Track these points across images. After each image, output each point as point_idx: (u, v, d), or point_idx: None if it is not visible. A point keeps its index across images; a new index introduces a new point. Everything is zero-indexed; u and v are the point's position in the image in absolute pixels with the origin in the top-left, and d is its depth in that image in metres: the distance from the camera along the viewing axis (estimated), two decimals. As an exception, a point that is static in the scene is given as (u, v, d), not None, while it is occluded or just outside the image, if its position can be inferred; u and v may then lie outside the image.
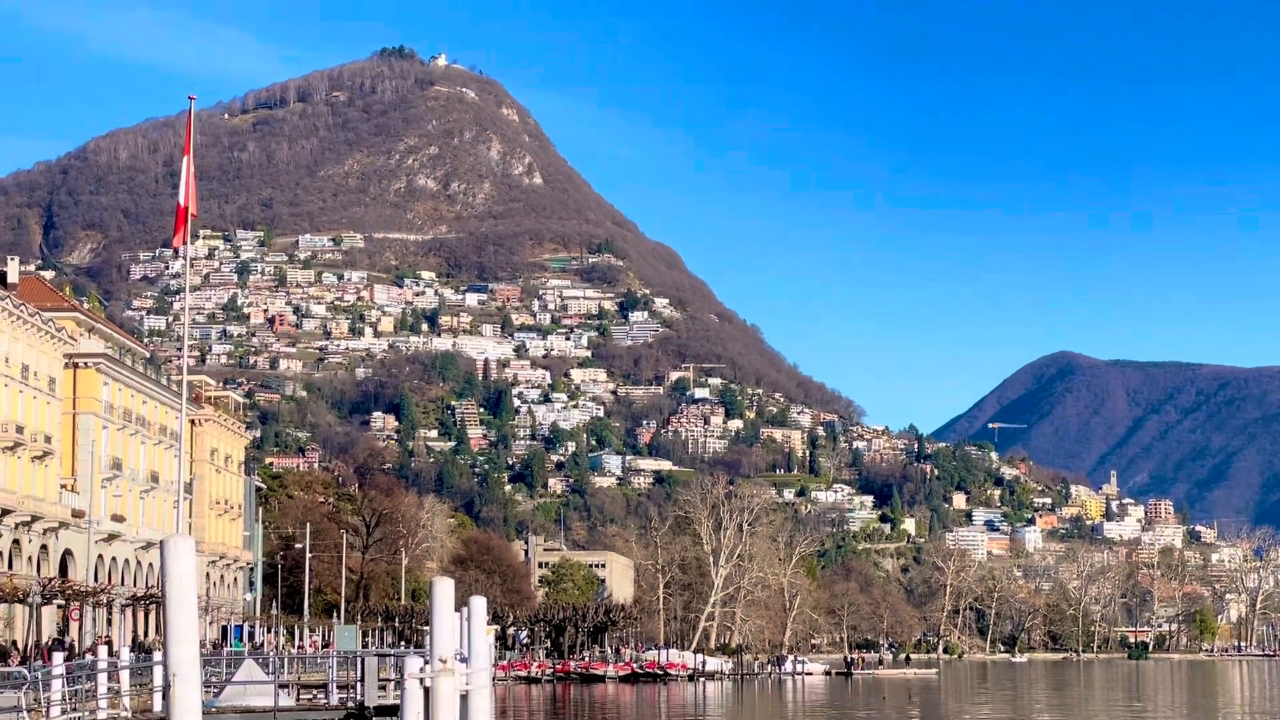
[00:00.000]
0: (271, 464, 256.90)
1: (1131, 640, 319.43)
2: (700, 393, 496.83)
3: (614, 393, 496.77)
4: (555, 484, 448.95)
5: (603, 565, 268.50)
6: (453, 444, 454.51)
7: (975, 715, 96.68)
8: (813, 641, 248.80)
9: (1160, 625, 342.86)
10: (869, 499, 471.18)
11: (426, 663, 38.66)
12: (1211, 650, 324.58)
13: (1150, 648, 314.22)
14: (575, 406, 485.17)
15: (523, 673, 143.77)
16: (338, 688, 50.55)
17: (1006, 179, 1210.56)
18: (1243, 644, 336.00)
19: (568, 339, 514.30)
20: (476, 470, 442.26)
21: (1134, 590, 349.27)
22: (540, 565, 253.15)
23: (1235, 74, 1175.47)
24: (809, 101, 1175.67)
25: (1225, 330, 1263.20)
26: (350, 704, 44.57)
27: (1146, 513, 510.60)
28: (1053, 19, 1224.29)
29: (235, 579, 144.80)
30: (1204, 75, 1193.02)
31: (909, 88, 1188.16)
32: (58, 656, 55.68)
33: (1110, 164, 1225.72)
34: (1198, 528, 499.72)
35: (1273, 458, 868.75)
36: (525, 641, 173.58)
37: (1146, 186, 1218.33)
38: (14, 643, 74.29)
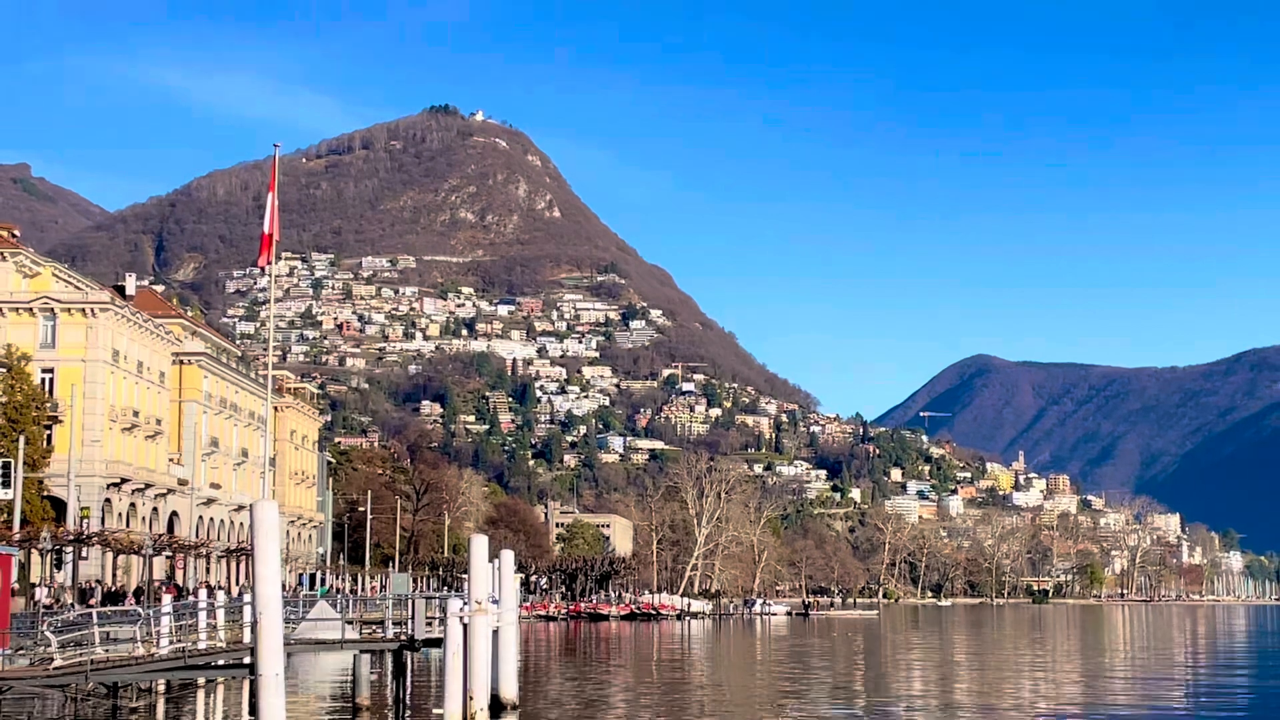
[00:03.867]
0: (339, 443, 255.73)
1: (1035, 588, 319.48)
2: (687, 386, 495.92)
3: (617, 386, 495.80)
4: (569, 459, 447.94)
5: (607, 526, 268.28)
6: (487, 427, 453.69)
7: (908, 646, 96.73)
8: (777, 588, 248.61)
9: (1058, 576, 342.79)
10: (823, 473, 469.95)
11: (465, 604, 38.66)
12: (1100, 596, 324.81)
13: (1050, 594, 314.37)
14: (586, 397, 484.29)
15: (542, 612, 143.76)
16: (393, 624, 50.51)
17: (925, 211, 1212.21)
18: (1124, 591, 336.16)
19: (580, 342, 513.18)
20: (506, 448, 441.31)
21: (1037, 548, 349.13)
22: (557, 525, 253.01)
23: (1142, 94, 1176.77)
24: (773, 152, 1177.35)
25: (1112, 337, 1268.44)
26: (403, 637, 44.46)
27: (1048, 485, 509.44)
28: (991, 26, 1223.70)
29: (310, 536, 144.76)
30: (1111, 98, 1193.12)
31: (853, 129, 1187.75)
32: (166, 597, 55.69)
33: (1013, 199, 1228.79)
34: (1089, 497, 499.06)
35: (1150, 441, 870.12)
36: (544, 587, 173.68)
37: (1052, 215, 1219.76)
38: (135, 587, 74.22)
